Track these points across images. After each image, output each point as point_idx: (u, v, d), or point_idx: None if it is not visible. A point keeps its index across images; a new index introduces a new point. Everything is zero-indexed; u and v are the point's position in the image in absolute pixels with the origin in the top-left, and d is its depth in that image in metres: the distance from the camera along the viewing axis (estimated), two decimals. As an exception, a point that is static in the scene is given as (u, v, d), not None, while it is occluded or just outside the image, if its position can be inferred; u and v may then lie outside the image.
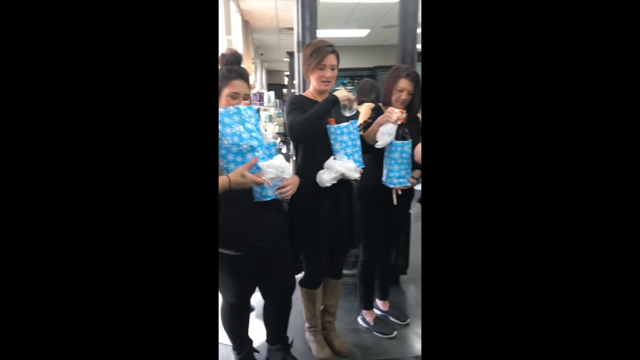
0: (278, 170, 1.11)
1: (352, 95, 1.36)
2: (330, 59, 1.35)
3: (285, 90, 7.96)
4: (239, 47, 4.48)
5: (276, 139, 1.24)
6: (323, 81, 1.38)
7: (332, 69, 1.37)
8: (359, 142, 1.41)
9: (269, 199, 1.20)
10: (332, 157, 1.36)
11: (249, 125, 1.08)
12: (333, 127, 1.36)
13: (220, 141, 1.07)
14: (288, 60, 5.58)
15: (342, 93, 1.35)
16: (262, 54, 8.11)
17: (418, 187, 1.43)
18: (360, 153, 1.42)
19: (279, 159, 1.13)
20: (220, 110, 1.07)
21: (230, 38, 3.53)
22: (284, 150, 2.23)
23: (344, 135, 1.36)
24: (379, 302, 1.97)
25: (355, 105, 1.39)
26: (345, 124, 1.37)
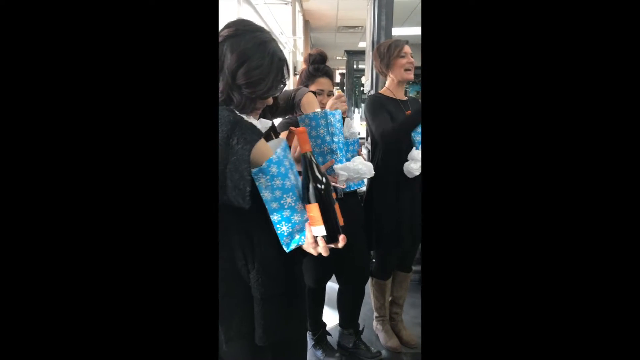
0: (352, 172, 1.15)
1: None
2: (408, 48, 1.46)
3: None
4: (300, 46, 4.62)
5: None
6: (407, 69, 1.45)
7: (412, 57, 1.45)
8: None
9: (349, 189, 1.28)
10: (414, 148, 1.42)
11: (332, 129, 1.14)
12: None
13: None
14: (345, 58, 5.65)
15: None
16: (317, 53, 8.24)
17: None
18: None
19: (355, 162, 1.17)
20: (310, 114, 1.14)
21: (295, 38, 3.66)
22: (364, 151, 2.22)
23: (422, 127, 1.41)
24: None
25: None
26: None
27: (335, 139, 1.15)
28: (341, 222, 0.70)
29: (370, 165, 1.16)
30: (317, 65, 1.32)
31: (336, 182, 1.15)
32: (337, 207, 0.70)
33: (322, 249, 0.71)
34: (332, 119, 1.13)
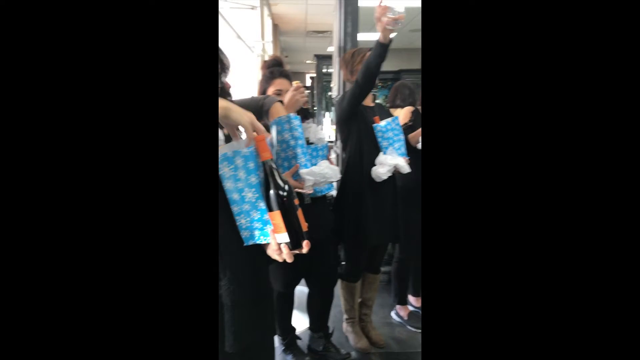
0: (318, 177, 1.14)
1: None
2: None
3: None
4: (269, 50, 4.61)
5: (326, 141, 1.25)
6: None
7: None
8: (402, 137, 1.51)
9: (319, 194, 1.30)
10: (381, 153, 1.45)
11: (295, 134, 1.13)
12: (379, 126, 1.46)
13: (274, 147, 1.15)
14: (315, 62, 5.69)
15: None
16: (286, 56, 8.25)
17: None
18: (405, 147, 1.52)
19: (321, 166, 1.16)
20: (276, 119, 1.12)
21: (264, 42, 3.65)
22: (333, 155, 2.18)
23: (389, 132, 1.45)
24: (412, 299, 2.04)
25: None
26: (388, 121, 1.47)
27: (300, 142, 1.14)
28: (305, 227, 0.71)
29: (336, 168, 1.16)
30: (272, 69, 1.35)
31: (303, 188, 1.15)
32: (300, 213, 0.71)
33: (286, 256, 0.72)
34: (295, 123, 1.12)
